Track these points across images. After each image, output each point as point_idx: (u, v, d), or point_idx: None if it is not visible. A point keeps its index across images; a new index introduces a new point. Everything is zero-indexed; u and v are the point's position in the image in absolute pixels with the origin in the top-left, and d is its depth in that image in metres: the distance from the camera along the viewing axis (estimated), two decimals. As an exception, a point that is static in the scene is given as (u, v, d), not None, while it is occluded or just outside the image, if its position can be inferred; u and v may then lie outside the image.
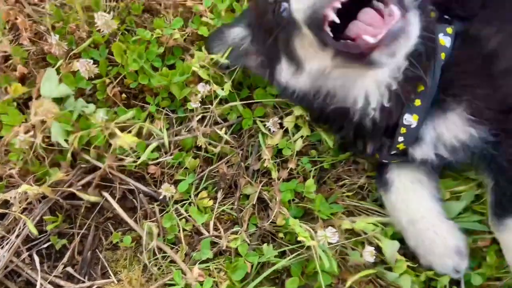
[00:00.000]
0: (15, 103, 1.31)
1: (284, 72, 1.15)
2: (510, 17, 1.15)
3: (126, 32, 1.44)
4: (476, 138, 1.07)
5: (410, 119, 1.09)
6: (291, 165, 1.33)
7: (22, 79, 1.39)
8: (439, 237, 1.15)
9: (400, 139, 1.13)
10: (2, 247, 1.18)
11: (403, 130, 1.11)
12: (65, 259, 1.22)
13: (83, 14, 1.40)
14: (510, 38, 1.10)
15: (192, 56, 1.40)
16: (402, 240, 1.20)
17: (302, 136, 1.36)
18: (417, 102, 1.08)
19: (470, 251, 1.15)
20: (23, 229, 1.19)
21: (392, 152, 1.18)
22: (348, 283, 1.11)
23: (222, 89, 1.33)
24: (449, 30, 1.12)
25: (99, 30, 1.29)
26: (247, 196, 1.32)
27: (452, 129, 1.08)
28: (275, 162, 1.34)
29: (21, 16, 1.37)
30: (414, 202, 1.20)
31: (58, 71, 1.30)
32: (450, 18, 1.16)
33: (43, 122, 1.14)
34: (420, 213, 1.18)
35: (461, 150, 1.10)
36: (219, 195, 1.30)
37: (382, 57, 0.89)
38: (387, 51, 0.88)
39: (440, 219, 1.18)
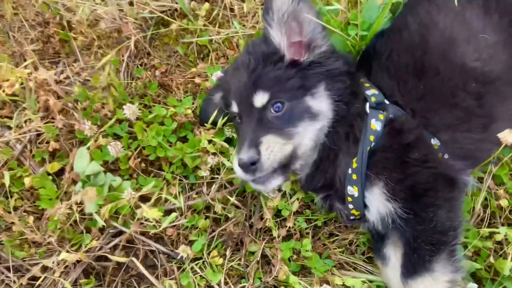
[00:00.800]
0: (50, 176, 1.52)
1: None
2: (433, 113, 1.39)
3: (143, 108, 1.65)
4: (392, 211, 1.29)
5: (352, 190, 1.33)
6: (289, 224, 1.55)
7: (53, 153, 1.59)
8: None
9: (350, 206, 1.37)
10: (43, 307, 1.36)
11: (349, 199, 1.35)
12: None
13: (109, 95, 1.62)
14: (423, 136, 1.35)
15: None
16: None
17: (298, 198, 1.59)
18: (354, 176, 1.31)
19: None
20: (61, 290, 1.38)
21: (352, 218, 1.41)
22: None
23: (228, 160, 1.56)
24: (381, 116, 1.34)
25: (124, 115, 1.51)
26: (252, 253, 1.53)
27: (377, 200, 1.31)
28: (275, 221, 1.56)
29: (52, 98, 1.58)
30: None
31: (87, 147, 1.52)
32: (388, 103, 1.38)
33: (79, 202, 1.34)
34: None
35: (384, 219, 1.32)
36: (228, 253, 1.51)
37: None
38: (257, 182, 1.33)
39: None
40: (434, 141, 1.40)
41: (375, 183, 1.32)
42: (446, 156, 1.41)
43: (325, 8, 1.54)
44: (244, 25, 1.79)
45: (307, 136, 1.34)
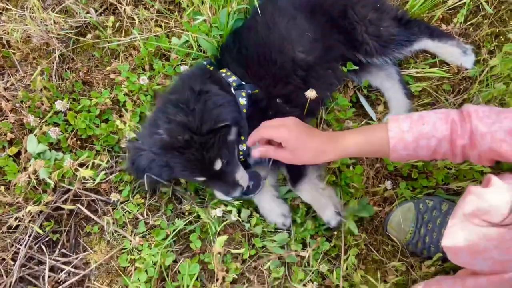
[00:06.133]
0: (10, 158, 2.12)
1: None
2: (273, 87, 2.07)
3: (74, 102, 2.26)
4: None
5: (242, 147, 1.99)
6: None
7: (10, 141, 2.19)
8: (273, 207, 2.08)
9: (240, 156, 2.05)
10: (21, 244, 2.01)
11: (240, 152, 2.02)
12: (59, 246, 2.08)
13: (45, 95, 2.21)
14: (272, 100, 2.05)
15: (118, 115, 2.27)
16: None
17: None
18: (242, 137, 1.97)
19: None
20: (31, 233, 2.03)
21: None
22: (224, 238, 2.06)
23: (140, 131, 2.21)
24: (243, 93, 1.98)
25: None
26: (164, 193, 2.22)
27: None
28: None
29: (3, 101, 2.16)
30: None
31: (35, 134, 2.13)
32: (244, 83, 2.02)
33: (35, 170, 1.97)
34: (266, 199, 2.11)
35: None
36: (148, 195, 2.19)
37: None
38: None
39: (274, 199, 2.10)
40: (278, 101, 2.12)
41: None
42: (287, 108, 2.11)
43: (195, 22, 2.19)
44: (142, 32, 2.40)
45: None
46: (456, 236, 1.41)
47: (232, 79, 2.06)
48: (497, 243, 1.21)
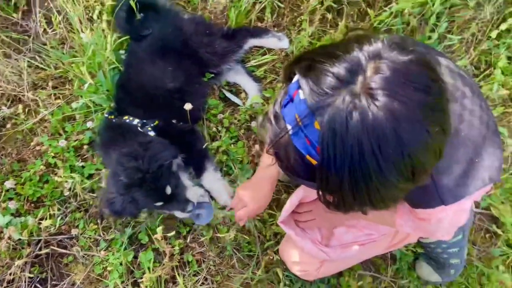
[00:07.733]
0: (-14, 235, 2.78)
1: None
2: (166, 115, 2.87)
3: (16, 177, 2.93)
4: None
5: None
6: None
7: (-19, 224, 2.83)
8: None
9: None
10: (20, 291, 2.70)
11: None
12: (49, 280, 2.79)
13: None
14: (170, 124, 2.85)
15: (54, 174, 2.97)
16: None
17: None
18: None
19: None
20: (25, 279, 2.71)
21: None
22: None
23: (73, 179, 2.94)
24: (149, 128, 2.68)
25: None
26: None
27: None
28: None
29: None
30: None
31: (-3, 212, 2.79)
32: (145, 121, 2.77)
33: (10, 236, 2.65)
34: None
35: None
36: (99, 221, 2.93)
37: None
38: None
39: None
40: (174, 121, 2.89)
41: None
42: (181, 124, 2.92)
43: (84, 89, 2.93)
44: (47, 107, 3.10)
45: None
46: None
47: (136, 121, 2.78)
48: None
